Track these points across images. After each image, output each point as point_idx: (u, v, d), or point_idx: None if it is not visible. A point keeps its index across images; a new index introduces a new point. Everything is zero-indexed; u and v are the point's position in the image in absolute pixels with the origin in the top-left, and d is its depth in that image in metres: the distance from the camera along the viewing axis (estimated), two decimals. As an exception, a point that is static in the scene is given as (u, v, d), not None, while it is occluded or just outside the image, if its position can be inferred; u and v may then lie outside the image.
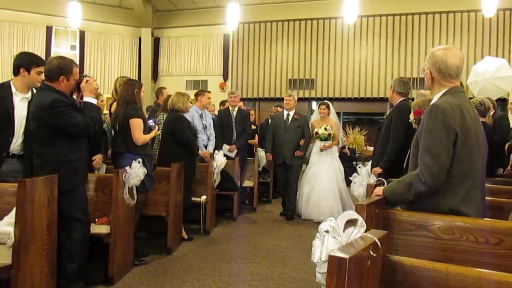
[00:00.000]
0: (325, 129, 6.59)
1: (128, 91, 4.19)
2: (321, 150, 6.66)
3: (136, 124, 4.08)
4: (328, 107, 6.79)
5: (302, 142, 6.56)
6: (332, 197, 6.49)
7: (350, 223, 1.57)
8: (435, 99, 2.33)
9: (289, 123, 6.63)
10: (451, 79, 2.29)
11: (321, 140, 6.65)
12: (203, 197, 5.33)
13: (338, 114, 11.91)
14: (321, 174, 6.62)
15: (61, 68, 3.19)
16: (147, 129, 4.22)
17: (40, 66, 3.34)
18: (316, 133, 6.65)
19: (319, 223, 1.52)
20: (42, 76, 3.32)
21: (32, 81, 3.37)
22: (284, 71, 11.86)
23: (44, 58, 3.69)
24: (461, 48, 10.16)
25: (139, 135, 4.09)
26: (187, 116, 5.18)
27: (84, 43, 11.99)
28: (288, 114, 6.70)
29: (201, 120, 5.94)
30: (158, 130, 4.52)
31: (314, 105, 6.95)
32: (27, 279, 2.82)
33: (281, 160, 6.59)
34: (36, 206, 2.87)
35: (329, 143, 6.66)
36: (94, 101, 3.38)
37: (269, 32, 11.99)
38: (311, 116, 7.05)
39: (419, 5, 10.63)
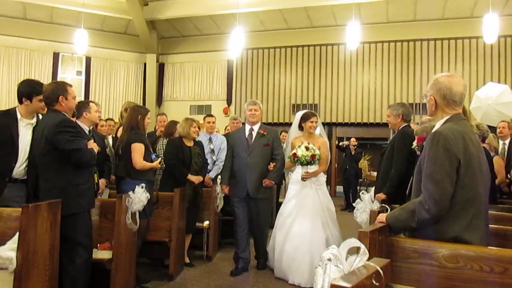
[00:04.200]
0: (307, 148, 4.61)
1: (132, 117, 4.30)
2: (303, 179, 4.67)
3: (137, 149, 4.14)
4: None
5: (271, 166, 4.78)
6: (312, 250, 4.44)
7: (353, 251, 1.56)
8: (437, 125, 2.34)
9: (253, 141, 4.84)
10: (455, 106, 2.30)
11: (302, 164, 4.64)
12: (206, 223, 5.30)
13: (341, 139, 11.96)
14: (300, 216, 4.62)
15: (56, 90, 3.27)
16: (149, 155, 4.25)
17: (42, 94, 3.39)
18: (294, 155, 4.62)
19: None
20: None
21: (36, 109, 3.44)
22: (288, 96, 11.96)
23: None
24: (463, 74, 10.26)
25: (138, 159, 4.13)
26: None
27: (90, 69, 12.20)
28: (251, 129, 4.90)
29: (209, 144, 6.00)
30: (160, 162, 4.48)
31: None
32: (28, 305, 2.79)
33: (243, 192, 4.77)
34: (39, 232, 2.86)
35: (313, 169, 4.67)
36: (95, 152, 3.44)
37: (272, 58, 12.15)
38: (291, 133, 5.16)
39: (421, 32, 10.78)
